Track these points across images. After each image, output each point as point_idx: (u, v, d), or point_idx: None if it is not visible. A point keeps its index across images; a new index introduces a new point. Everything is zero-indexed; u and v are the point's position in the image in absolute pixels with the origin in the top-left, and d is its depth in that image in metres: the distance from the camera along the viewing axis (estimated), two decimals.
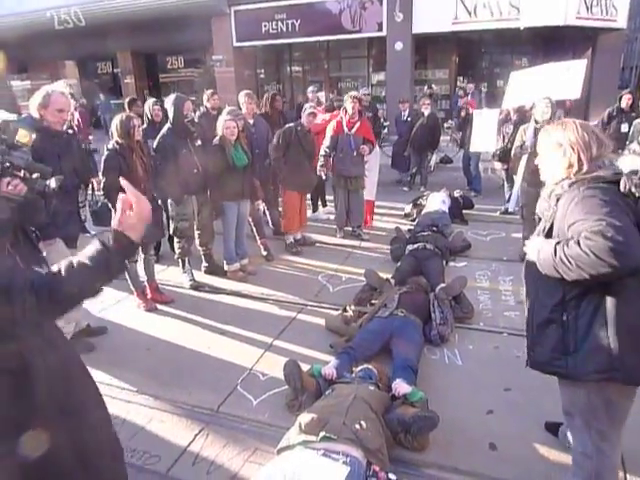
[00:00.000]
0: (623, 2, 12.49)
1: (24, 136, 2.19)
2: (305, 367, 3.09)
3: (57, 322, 3.19)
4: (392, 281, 4.36)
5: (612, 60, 13.19)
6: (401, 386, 2.79)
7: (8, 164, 2.12)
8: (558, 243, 1.75)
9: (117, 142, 4.00)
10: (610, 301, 1.76)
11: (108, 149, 4.01)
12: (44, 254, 2.96)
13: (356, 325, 3.67)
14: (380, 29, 13.26)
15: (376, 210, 7.21)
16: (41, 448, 1.56)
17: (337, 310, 4.00)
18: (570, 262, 1.68)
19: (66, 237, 3.45)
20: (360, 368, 2.99)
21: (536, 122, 5.02)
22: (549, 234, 1.89)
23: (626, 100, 6.76)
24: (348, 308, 3.92)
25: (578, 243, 1.66)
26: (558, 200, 1.86)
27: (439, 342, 3.62)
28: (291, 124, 5.59)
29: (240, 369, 3.43)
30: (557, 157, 1.93)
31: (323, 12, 13.67)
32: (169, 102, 4.64)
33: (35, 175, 2.28)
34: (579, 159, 1.86)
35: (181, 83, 17.38)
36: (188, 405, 3.07)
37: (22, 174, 2.20)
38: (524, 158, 5.18)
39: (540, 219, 2.07)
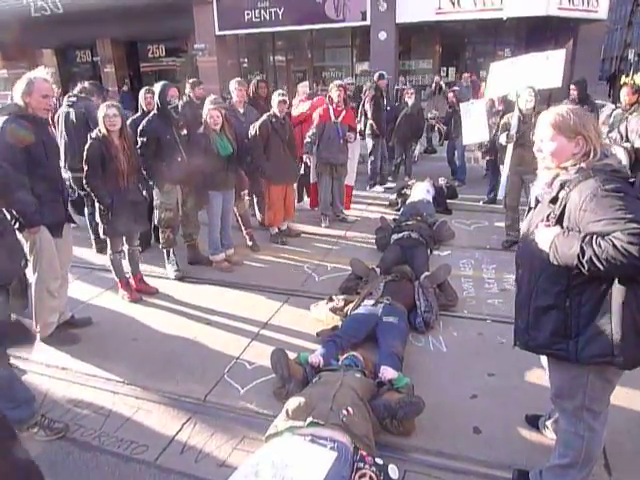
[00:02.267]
0: None
1: None
2: (292, 355, 3.11)
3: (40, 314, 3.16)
4: (377, 270, 4.39)
5: (593, 51, 13.36)
6: (387, 371, 2.83)
7: None
8: (584, 240, 1.71)
9: (99, 131, 3.94)
10: (618, 290, 1.77)
11: (91, 138, 3.95)
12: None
13: (342, 314, 3.70)
14: (364, 18, 13.21)
15: (361, 200, 7.26)
16: None
17: (323, 299, 4.01)
18: (601, 262, 1.66)
19: (50, 225, 3.39)
20: (346, 356, 3.02)
21: (520, 111, 5.09)
22: (558, 222, 1.86)
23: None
24: (334, 297, 3.94)
25: (613, 245, 1.63)
26: (562, 186, 1.86)
27: (424, 329, 3.67)
28: (264, 117, 5.45)
29: (227, 358, 3.43)
30: (566, 144, 1.90)
31: (306, 0, 13.56)
32: (156, 89, 4.61)
33: None
34: (594, 148, 1.86)
35: (162, 72, 17.11)
36: (175, 395, 3.06)
37: None
38: (510, 147, 5.24)
39: (537, 204, 2.04)
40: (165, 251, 4.91)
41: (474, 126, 6.51)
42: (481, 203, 7.07)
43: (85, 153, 3.92)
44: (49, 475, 2.45)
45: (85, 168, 3.92)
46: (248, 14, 14.06)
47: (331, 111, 6.00)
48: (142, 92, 5.49)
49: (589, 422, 2.01)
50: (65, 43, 17.47)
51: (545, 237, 1.87)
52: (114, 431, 2.76)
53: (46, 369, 3.39)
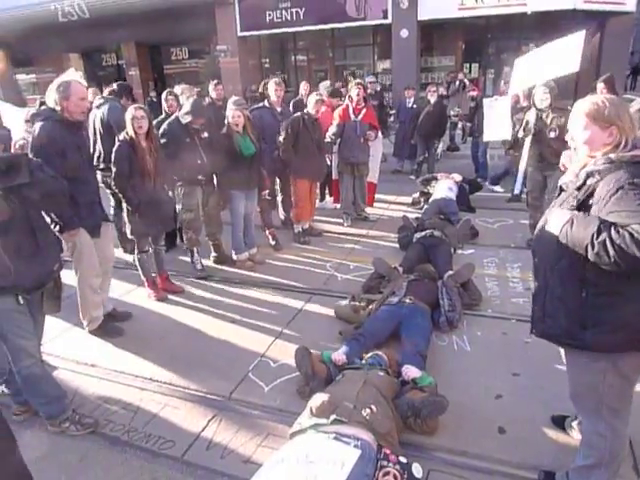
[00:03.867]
0: None
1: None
2: (315, 354, 3.13)
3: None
4: (400, 269, 4.38)
5: (621, 44, 12.96)
6: (411, 370, 2.82)
7: None
8: (603, 223, 1.70)
9: (127, 133, 4.04)
10: (636, 280, 1.75)
11: (119, 140, 4.04)
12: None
13: (365, 313, 3.71)
14: (385, 16, 13.13)
15: (383, 198, 7.24)
16: None
17: (346, 298, 4.03)
18: (614, 247, 1.64)
19: (89, 227, 3.54)
20: (370, 354, 3.03)
21: (537, 108, 5.03)
22: (579, 208, 1.84)
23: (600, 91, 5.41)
24: (357, 296, 3.95)
25: (631, 234, 1.62)
26: (589, 176, 1.84)
27: (447, 328, 3.64)
28: (298, 113, 5.59)
29: (251, 356, 3.47)
30: (600, 133, 1.87)
31: (328, 0, 13.55)
32: (179, 92, 4.70)
33: None
34: (626, 139, 1.83)
35: (186, 74, 17.34)
36: (201, 392, 3.12)
37: None
38: (527, 142, 5.17)
39: (561, 192, 2.02)
40: (189, 251, 5.00)
41: (496, 123, 6.40)
42: (505, 201, 6.97)
43: (113, 155, 4.02)
44: (79, 469, 2.55)
45: (114, 169, 4.02)
46: (270, 15, 14.13)
47: (351, 110, 6.00)
48: (164, 95, 5.59)
49: (610, 421, 1.98)
50: (91, 47, 17.85)
51: (561, 217, 1.86)
52: (142, 427, 2.83)
53: (76, 366, 3.49)
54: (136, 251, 4.47)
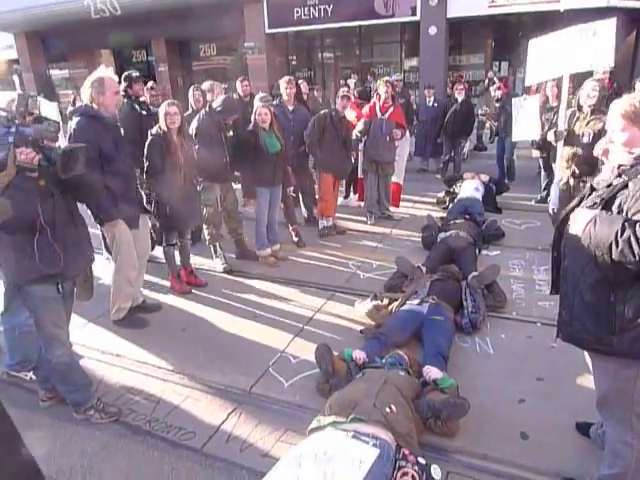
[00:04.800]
0: None
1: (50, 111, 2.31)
2: (336, 351, 3.13)
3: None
4: (423, 268, 4.34)
5: None
6: (432, 371, 2.79)
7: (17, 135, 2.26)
8: (628, 221, 1.68)
9: (159, 127, 4.11)
10: None
11: (152, 134, 4.12)
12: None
13: (387, 312, 3.69)
14: (414, 13, 12.98)
15: (408, 197, 7.18)
16: None
17: (368, 296, 4.01)
18: (639, 244, 1.62)
19: (127, 218, 3.64)
20: (391, 354, 3.01)
21: (579, 107, 4.61)
22: (605, 207, 1.81)
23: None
24: (379, 295, 3.93)
25: None
26: (620, 175, 1.80)
27: (470, 330, 3.59)
28: (326, 110, 5.61)
29: (272, 352, 3.49)
30: (639, 134, 1.83)
31: None
32: (207, 88, 4.77)
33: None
34: None
35: (213, 71, 17.50)
36: (222, 385, 3.15)
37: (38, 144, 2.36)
38: (559, 147, 4.84)
39: (592, 191, 1.97)
40: (212, 246, 5.05)
41: (525, 123, 6.21)
42: (533, 202, 6.83)
43: (146, 149, 4.09)
44: (102, 456, 2.61)
45: (146, 163, 4.09)
46: (297, 12, 14.14)
47: (378, 108, 5.97)
48: (191, 90, 5.65)
49: (639, 429, 1.92)
50: (122, 44, 18.18)
51: (584, 216, 1.82)
52: (163, 417, 2.88)
53: (101, 355, 3.57)
54: (164, 244, 4.54)
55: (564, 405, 2.79)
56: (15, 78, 18.05)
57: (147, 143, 4.09)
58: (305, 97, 6.84)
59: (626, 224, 1.66)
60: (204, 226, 5.02)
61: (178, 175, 4.13)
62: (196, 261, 5.05)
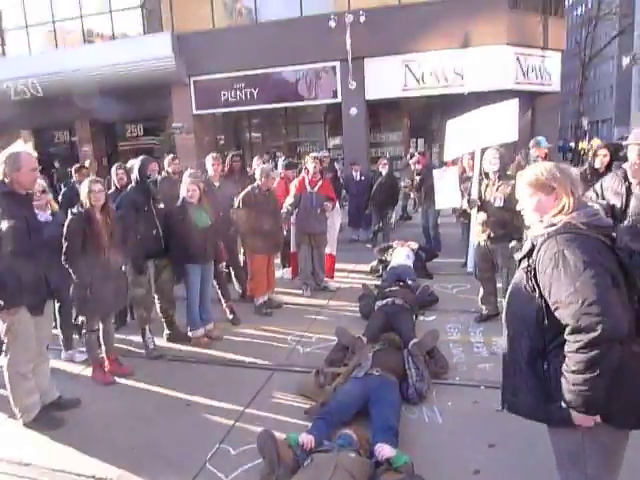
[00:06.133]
0: (555, 68, 13.78)
1: None
2: (281, 436, 2.89)
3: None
4: (364, 339, 4.25)
5: (550, 119, 14.33)
6: (384, 449, 2.63)
7: None
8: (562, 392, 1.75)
9: (81, 206, 3.88)
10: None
11: (73, 213, 3.87)
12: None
13: (331, 388, 3.51)
14: (335, 96, 13.93)
15: (342, 267, 7.22)
16: None
17: (309, 372, 3.83)
18: (585, 375, 1.68)
19: (31, 305, 3.30)
20: (339, 434, 2.81)
21: (486, 175, 4.91)
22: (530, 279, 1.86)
23: (601, 158, 4.90)
24: (321, 370, 3.76)
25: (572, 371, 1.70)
26: (532, 243, 1.87)
27: (417, 400, 3.49)
28: (248, 187, 5.59)
29: (209, 444, 3.16)
30: (545, 199, 1.91)
31: (280, 81, 14.32)
32: (135, 163, 4.68)
33: None
34: (568, 202, 1.86)
35: (140, 151, 17.40)
36: None
37: None
38: (473, 212, 5.16)
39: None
40: (141, 329, 4.69)
41: (447, 192, 6.63)
42: (460, 267, 7.10)
43: (65, 229, 3.82)
44: None
45: (65, 244, 3.80)
46: (224, 94, 14.69)
47: (307, 181, 6.12)
48: (113, 169, 5.51)
49: None
50: (44, 124, 17.77)
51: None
52: None
53: (7, 466, 3.05)
54: (84, 331, 4.14)
55: (519, 471, 2.72)
56: None
57: (66, 223, 3.83)
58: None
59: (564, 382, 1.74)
60: (134, 307, 4.69)
61: (101, 255, 3.87)
62: (122, 346, 4.65)
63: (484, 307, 5.03)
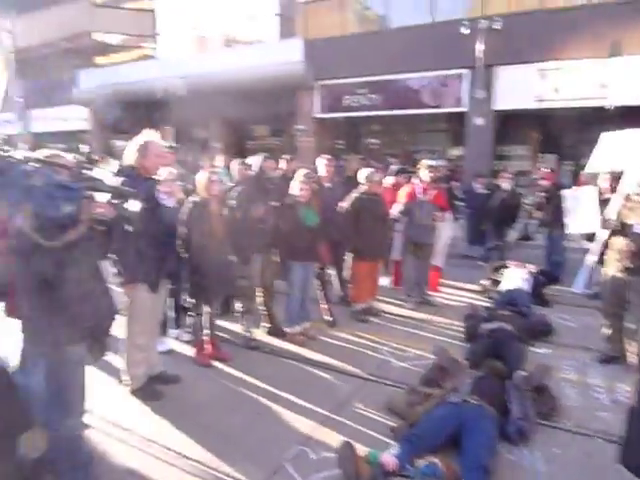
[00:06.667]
0: None
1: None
2: (362, 449, 2.77)
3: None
4: (465, 363, 3.95)
5: None
6: None
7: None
8: None
9: (199, 195, 4.14)
10: None
11: (191, 202, 4.14)
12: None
13: (421, 409, 3.29)
14: (460, 105, 13.37)
15: (449, 283, 6.87)
16: None
17: (400, 388, 3.65)
18: None
19: (149, 282, 3.57)
20: (424, 462, 2.61)
21: (627, 198, 4.31)
22: None
23: None
24: (414, 388, 3.56)
25: None
26: None
27: (517, 440, 3.13)
28: (356, 192, 5.54)
29: (290, 443, 3.14)
30: None
31: (404, 88, 14.10)
32: (255, 160, 4.92)
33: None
34: None
35: (265, 150, 18.33)
36: (230, 477, 2.82)
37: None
38: (605, 235, 4.51)
39: None
40: (241, 319, 4.86)
41: (583, 214, 5.88)
42: (585, 297, 6.34)
43: (183, 216, 4.09)
44: None
45: (181, 229, 4.07)
46: (347, 99, 14.87)
47: (419, 190, 5.90)
48: (235, 164, 5.78)
49: None
50: (183, 122, 19.53)
51: None
52: None
53: (112, 428, 3.32)
54: (191, 313, 4.41)
55: None
56: (85, 147, 19.53)
57: (185, 210, 4.09)
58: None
59: None
60: (238, 298, 4.88)
61: (213, 243, 4.08)
62: (223, 333, 4.86)
63: (608, 347, 4.41)
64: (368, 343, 4.90)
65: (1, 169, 2.27)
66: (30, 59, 19.46)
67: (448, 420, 3.04)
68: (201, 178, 4.19)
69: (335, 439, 2.96)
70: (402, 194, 5.99)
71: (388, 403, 3.56)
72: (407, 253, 6.02)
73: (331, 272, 5.92)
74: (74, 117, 19.39)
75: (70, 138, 19.28)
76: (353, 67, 14.29)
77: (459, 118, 13.82)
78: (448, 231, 6.56)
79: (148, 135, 3.56)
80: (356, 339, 5.02)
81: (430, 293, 6.22)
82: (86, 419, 3.12)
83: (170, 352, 4.53)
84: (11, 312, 2.73)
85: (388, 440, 3.09)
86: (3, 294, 2.72)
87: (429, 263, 6.14)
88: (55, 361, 2.48)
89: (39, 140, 17.32)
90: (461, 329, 5.06)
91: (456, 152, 15.20)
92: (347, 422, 3.40)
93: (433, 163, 6.23)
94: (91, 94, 17.70)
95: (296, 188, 4.80)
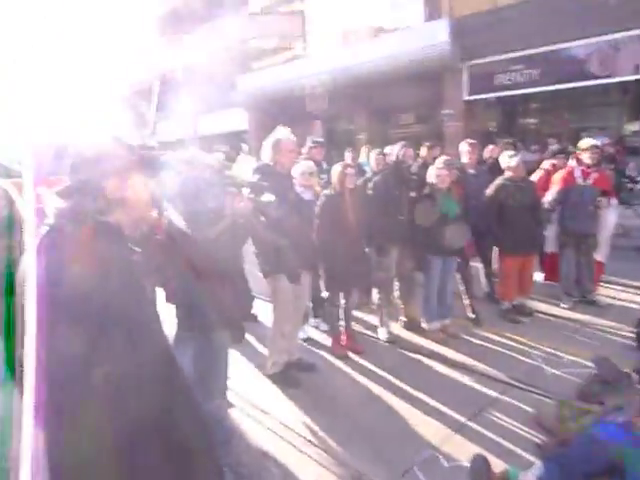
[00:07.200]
0: None
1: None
2: (499, 463, 2.51)
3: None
4: (635, 377, 3.34)
5: None
6: None
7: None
8: None
9: (333, 189, 4.19)
10: None
11: (325, 195, 4.21)
12: None
13: (575, 427, 2.87)
14: (638, 72, 11.41)
15: (618, 280, 5.92)
16: None
17: (550, 398, 3.24)
18: None
19: (289, 273, 3.71)
20: None
21: None
22: None
23: None
24: (567, 401, 3.12)
25: None
26: None
27: None
28: (500, 178, 5.04)
29: (422, 445, 3.00)
30: None
31: (566, 58, 12.54)
32: (393, 149, 4.85)
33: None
34: None
35: (409, 138, 17.97)
36: (358, 472, 2.79)
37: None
38: None
39: None
40: (378, 311, 4.81)
41: None
42: None
43: (319, 208, 4.18)
44: None
45: (317, 222, 4.16)
46: (498, 78, 13.74)
47: (577, 173, 5.15)
48: (373, 154, 5.71)
49: None
50: (331, 115, 20.14)
51: None
52: None
53: (251, 409, 3.54)
54: (326, 304, 4.50)
55: None
56: (245, 146, 21.41)
57: (319, 203, 4.16)
58: None
59: None
60: (374, 290, 4.85)
61: (348, 235, 4.09)
62: (359, 326, 4.87)
63: None
64: (516, 345, 4.46)
65: (155, 168, 2.55)
66: (196, 71, 21.86)
67: (607, 446, 2.59)
68: (335, 171, 4.22)
69: (470, 449, 2.75)
70: (556, 179, 5.30)
71: (535, 415, 3.19)
72: (565, 245, 5.32)
73: (477, 265, 5.53)
74: (235, 119, 21.27)
75: (233, 138, 21.22)
76: (505, 42, 13.13)
77: (637, 87, 11.83)
78: (613, 219, 5.61)
79: (280, 133, 3.68)
80: (503, 340, 4.61)
81: (593, 293, 5.42)
82: (229, 398, 3.42)
83: (307, 340, 4.69)
84: (168, 299, 3.06)
85: (530, 457, 2.76)
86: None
87: (593, 257, 5.34)
88: (202, 344, 2.72)
89: (207, 143, 19.43)
90: (631, 335, 4.32)
91: (634, 127, 13.08)
92: (485, 431, 3.13)
93: (594, 142, 5.38)
94: (249, 97, 19.24)
95: (433, 174, 4.55)
